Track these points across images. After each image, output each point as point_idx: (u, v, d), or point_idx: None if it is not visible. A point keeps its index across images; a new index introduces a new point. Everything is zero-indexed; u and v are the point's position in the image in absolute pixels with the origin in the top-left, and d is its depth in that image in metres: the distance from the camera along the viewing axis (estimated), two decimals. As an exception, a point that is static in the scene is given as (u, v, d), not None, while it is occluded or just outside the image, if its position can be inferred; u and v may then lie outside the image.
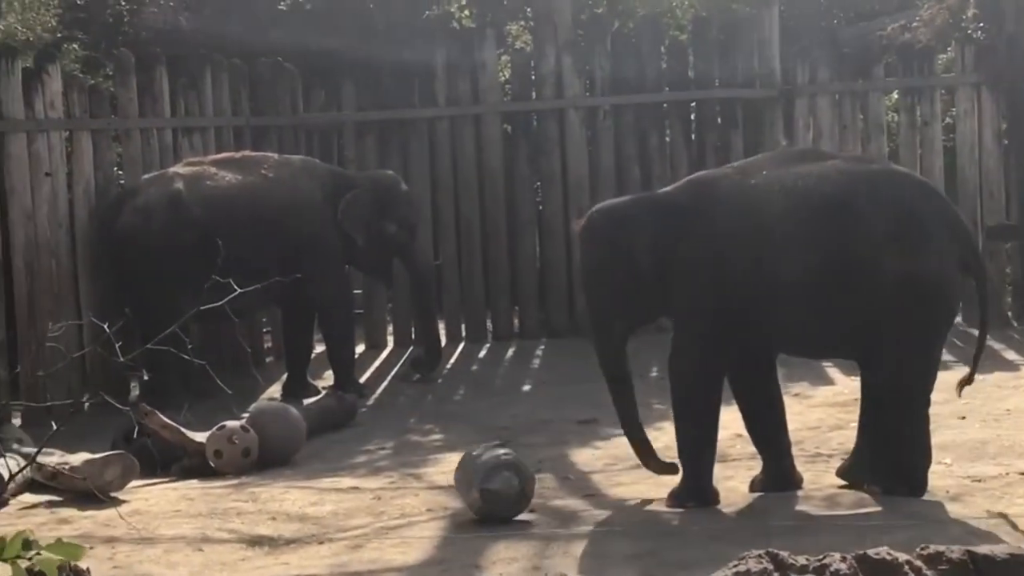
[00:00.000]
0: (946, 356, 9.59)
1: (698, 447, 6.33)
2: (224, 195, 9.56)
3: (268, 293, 8.73)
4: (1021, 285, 11.09)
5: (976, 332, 6.50)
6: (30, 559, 2.83)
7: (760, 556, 3.54)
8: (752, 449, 7.32)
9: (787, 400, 8.48)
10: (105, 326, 4.68)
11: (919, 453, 6.23)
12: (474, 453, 6.37)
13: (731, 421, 7.98)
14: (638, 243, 6.26)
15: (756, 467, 6.88)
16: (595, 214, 6.56)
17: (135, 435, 7.44)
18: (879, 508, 6.08)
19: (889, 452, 6.24)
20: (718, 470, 6.65)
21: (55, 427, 3.92)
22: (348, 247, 9.81)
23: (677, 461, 6.45)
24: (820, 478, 6.66)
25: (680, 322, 6.34)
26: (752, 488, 6.53)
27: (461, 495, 6.35)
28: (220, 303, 4.51)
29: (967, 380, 6.32)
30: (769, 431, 6.55)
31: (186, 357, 4.37)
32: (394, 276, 10.46)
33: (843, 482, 6.47)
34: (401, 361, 10.87)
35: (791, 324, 6.17)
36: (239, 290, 4.34)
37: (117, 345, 4.46)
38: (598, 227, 6.45)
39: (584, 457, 7.46)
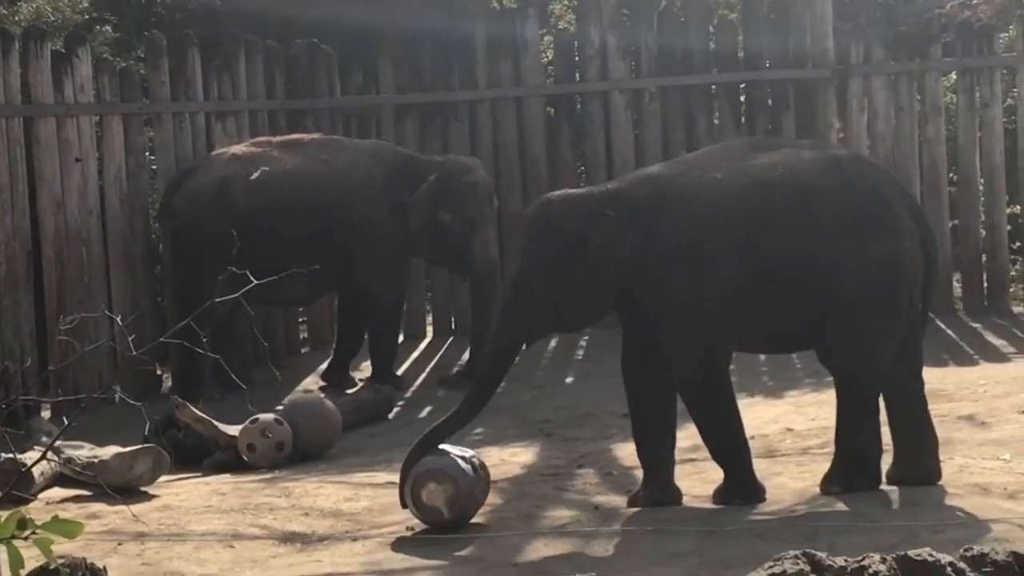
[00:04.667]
0: (1008, 348, 9.48)
1: (732, 444, 6.18)
2: (272, 182, 9.38)
3: (322, 282, 8.72)
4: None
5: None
6: (26, 538, 2.75)
7: (797, 557, 3.50)
8: (803, 444, 7.20)
9: (830, 394, 8.31)
10: (118, 319, 4.47)
11: (868, 434, 6.13)
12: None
13: (780, 415, 7.90)
14: (609, 242, 5.98)
15: (807, 463, 6.74)
16: (555, 204, 6.20)
17: (148, 429, 7.25)
18: (933, 507, 5.88)
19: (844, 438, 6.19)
20: (766, 465, 6.58)
21: (66, 422, 3.75)
22: (411, 237, 9.49)
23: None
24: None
25: (668, 328, 6.06)
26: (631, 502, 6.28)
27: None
28: (237, 294, 4.28)
29: None
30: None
31: (200, 351, 4.15)
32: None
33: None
34: (440, 352, 10.69)
35: (774, 316, 6.07)
36: (254, 281, 4.10)
37: (130, 338, 4.23)
38: (559, 218, 6.10)
39: (628, 452, 7.24)
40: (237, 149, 9.68)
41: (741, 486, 6.13)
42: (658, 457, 6.23)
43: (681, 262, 5.98)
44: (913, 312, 6.16)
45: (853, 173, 6.12)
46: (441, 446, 6.12)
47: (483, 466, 6.16)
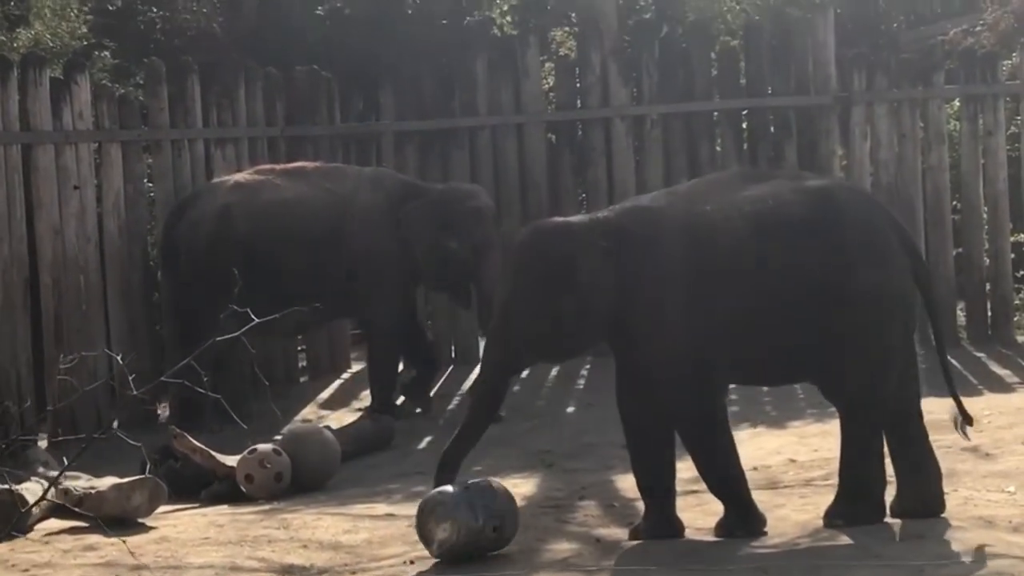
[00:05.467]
0: (1012, 379, 9.42)
1: (730, 476, 6.13)
2: (273, 210, 9.37)
3: (325, 310, 8.66)
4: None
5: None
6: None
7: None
8: (806, 475, 7.12)
9: (833, 425, 8.24)
10: (118, 357, 4.42)
11: (871, 467, 6.09)
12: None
13: (783, 446, 7.83)
14: (599, 272, 5.95)
15: (810, 495, 6.67)
16: (545, 232, 6.19)
17: (147, 469, 7.18)
18: (937, 540, 5.81)
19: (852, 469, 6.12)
20: (769, 497, 6.51)
21: (65, 461, 3.69)
22: (414, 264, 9.45)
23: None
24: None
25: (658, 362, 6.01)
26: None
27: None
28: (239, 332, 4.23)
29: (967, 419, 6.18)
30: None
31: (200, 391, 4.10)
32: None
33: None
34: (441, 380, 10.61)
35: (767, 348, 6.02)
36: (255, 319, 4.04)
37: (131, 377, 4.18)
38: (548, 246, 6.07)
39: (630, 483, 7.14)
40: (239, 177, 9.66)
41: (743, 518, 6.08)
42: (659, 489, 6.17)
43: (671, 295, 5.94)
44: (910, 342, 6.12)
45: (843, 204, 6.09)
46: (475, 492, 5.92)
47: (497, 528, 5.87)
